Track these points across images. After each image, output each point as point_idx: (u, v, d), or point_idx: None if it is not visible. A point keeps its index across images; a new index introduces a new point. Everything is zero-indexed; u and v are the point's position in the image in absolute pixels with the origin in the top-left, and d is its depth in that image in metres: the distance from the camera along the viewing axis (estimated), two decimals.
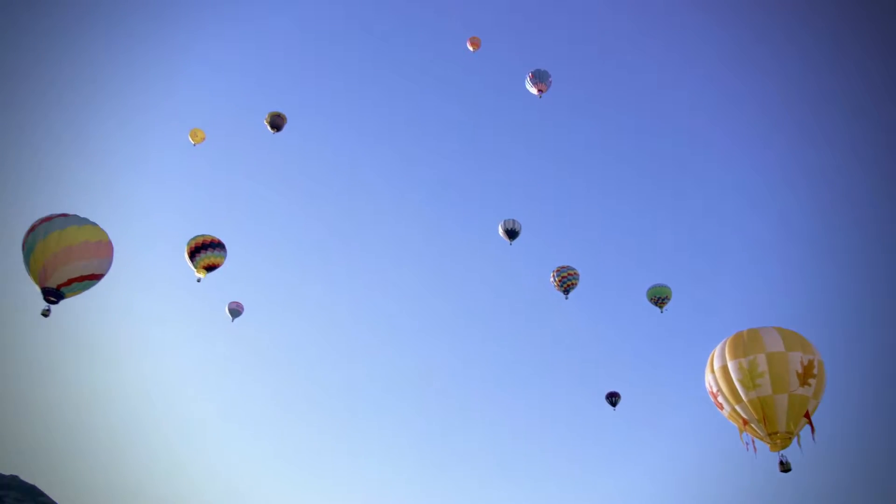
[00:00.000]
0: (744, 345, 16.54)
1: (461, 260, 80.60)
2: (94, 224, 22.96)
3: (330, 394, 75.53)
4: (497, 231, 39.19)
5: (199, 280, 31.81)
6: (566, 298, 36.69)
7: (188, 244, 31.73)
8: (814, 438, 16.34)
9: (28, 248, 21.97)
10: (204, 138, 41.70)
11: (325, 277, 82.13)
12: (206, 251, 31.46)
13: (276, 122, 40.22)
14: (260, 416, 73.89)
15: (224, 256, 32.00)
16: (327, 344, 78.61)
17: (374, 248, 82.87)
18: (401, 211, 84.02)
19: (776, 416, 16.12)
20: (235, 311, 39.16)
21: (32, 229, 22.13)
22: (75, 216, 22.76)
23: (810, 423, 16.33)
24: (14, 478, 63.23)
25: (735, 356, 16.55)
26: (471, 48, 44.53)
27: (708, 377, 17.43)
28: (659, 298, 36.45)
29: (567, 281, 36.58)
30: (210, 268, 31.59)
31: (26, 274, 22.29)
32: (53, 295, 22.15)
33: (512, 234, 38.70)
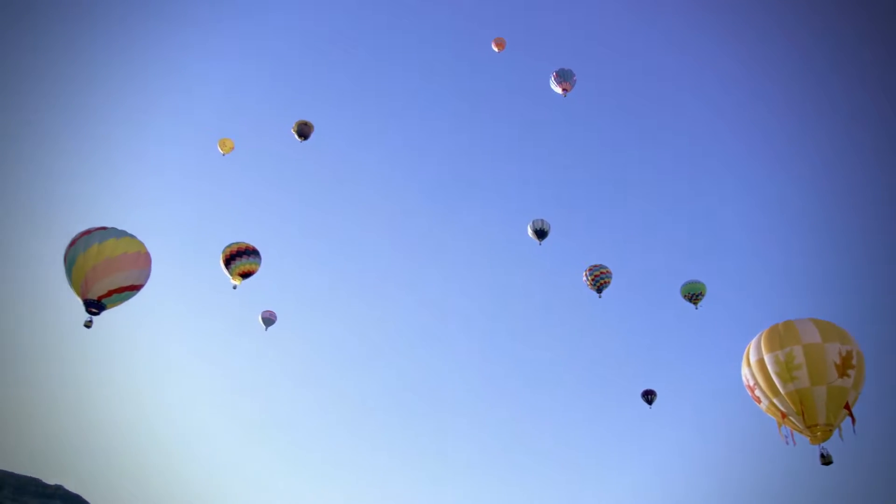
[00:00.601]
0: (779, 337, 16.33)
1: (492, 261, 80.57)
2: (132, 236, 23.37)
3: (364, 398, 75.98)
4: (526, 231, 39.10)
5: (234, 287, 32.26)
6: (600, 297, 36.60)
7: (223, 252, 32.19)
8: (854, 430, 16.11)
9: (69, 262, 22.46)
10: (233, 148, 42.12)
11: (353, 281, 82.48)
12: (241, 258, 31.87)
13: (304, 131, 40.41)
14: (297, 423, 74.55)
15: (259, 263, 32.37)
16: (359, 348, 79.00)
17: (402, 252, 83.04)
18: (428, 213, 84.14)
19: (815, 408, 15.90)
20: (268, 319, 39.49)
21: (73, 243, 22.61)
22: (113, 228, 23.21)
23: (851, 415, 16.10)
24: (59, 487, 64.63)
25: (771, 349, 16.35)
26: (495, 49, 44.63)
27: (744, 371, 17.25)
28: (693, 294, 36.08)
29: (600, 279, 36.43)
30: (245, 275, 31.96)
31: (68, 286, 22.87)
32: (95, 306, 22.60)
33: (541, 233, 38.52)
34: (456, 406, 73.17)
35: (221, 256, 32.00)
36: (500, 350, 77.07)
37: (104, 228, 23.07)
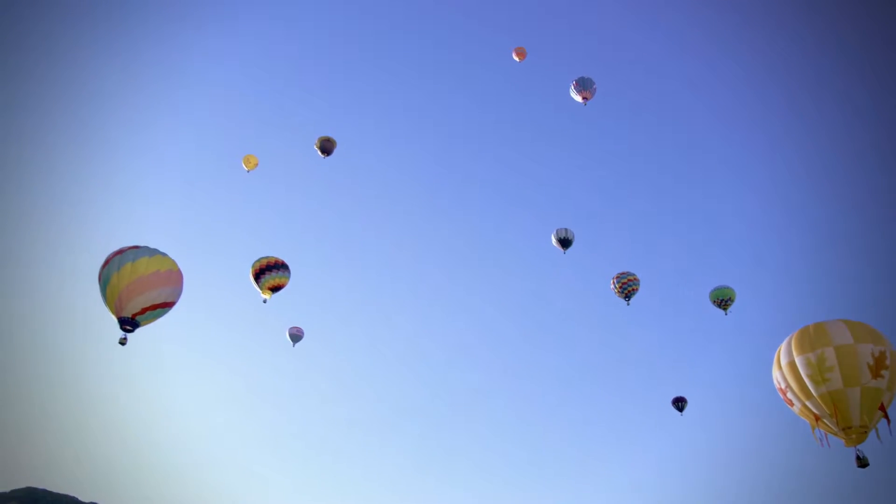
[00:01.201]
0: (810, 339, 16.21)
1: (516, 271, 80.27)
2: (163, 254, 23.74)
3: (388, 408, 76.01)
4: (550, 241, 39.14)
5: (265, 301, 32.72)
6: (628, 304, 36.58)
7: (253, 266, 32.62)
8: (890, 431, 15.90)
9: (104, 281, 22.88)
10: (257, 164, 42.51)
11: (376, 293, 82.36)
12: (270, 272, 32.36)
13: (326, 147, 40.75)
14: (326, 435, 74.74)
15: (288, 277, 32.83)
16: (389, 362, 79.09)
17: (424, 261, 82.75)
18: (449, 222, 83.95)
19: (849, 410, 15.73)
20: (296, 335, 39.73)
21: (107, 263, 23.04)
22: (146, 248, 23.61)
23: (886, 416, 15.89)
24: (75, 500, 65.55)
25: (802, 351, 16.22)
26: (516, 58, 44.82)
27: (775, 374, 17.12)
28: (722, 300, 35.90)
29: (628, 287, 36.43)
30: (275, 288, 32.43)
31: (103, 304, 23.32)
32: (129, 324, 22.97)
33: (565, 242, 38.55)
34: (480, 415, 73.00)
35: (251, 271, 32.45)
36: (527, 359, 76.88)
37: (136, 247, 23.48)
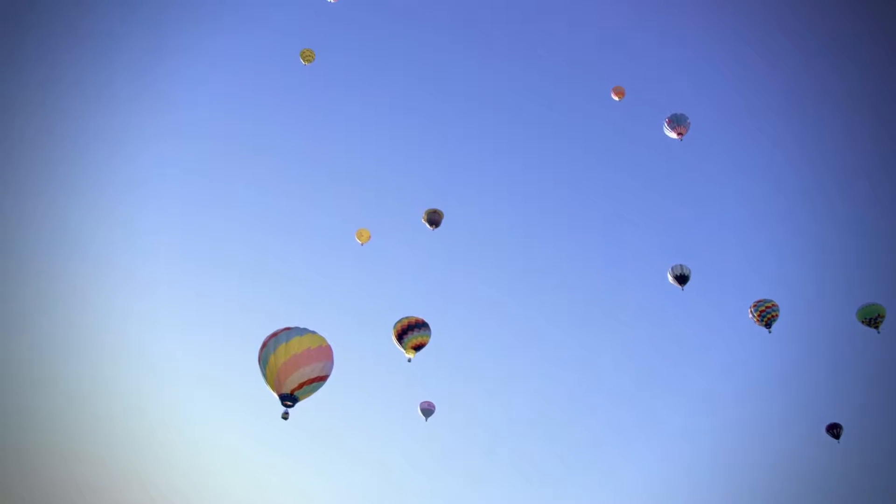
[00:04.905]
0: None
1: (635, 317, 77.30)
2: (313, 332, 25.67)
3: (503, 466, 74.06)
4: (667, 278, 39.13)
5: (409, 360, 34.23)
6: (769, 332, 35.99)
7: (395, 327, 34.20)
8: None
9: (263, 363, 25.13)
10: (370, 237, 43.58)
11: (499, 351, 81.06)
12: (413, 332, 33.87)
13: (434, 219, 41.66)
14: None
15: (429, 335, 34.36)
16: (498, 414, 77.39)
17: (537, 315, 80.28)
18: (560, 274, 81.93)
19: None
20: (427, 410, 40.85)
21: (264, 345, 25.26)
22: (296, 328, 25.61)
23: None
24: None
25: None
26: (615, 97, 45.00)
27: None
28: (872, 318, 34.66)
29: (767, 314, 36.01)
30: (418, 347, 33.96)
31: (265, 384, 25.24)
32: (289, 399, 24.96)
33: (682, 279, 38.46)
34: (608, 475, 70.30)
35: (393, 332, 34.12)
36: (648, 412, 73.16)
37: (289, 328, 25.54)
